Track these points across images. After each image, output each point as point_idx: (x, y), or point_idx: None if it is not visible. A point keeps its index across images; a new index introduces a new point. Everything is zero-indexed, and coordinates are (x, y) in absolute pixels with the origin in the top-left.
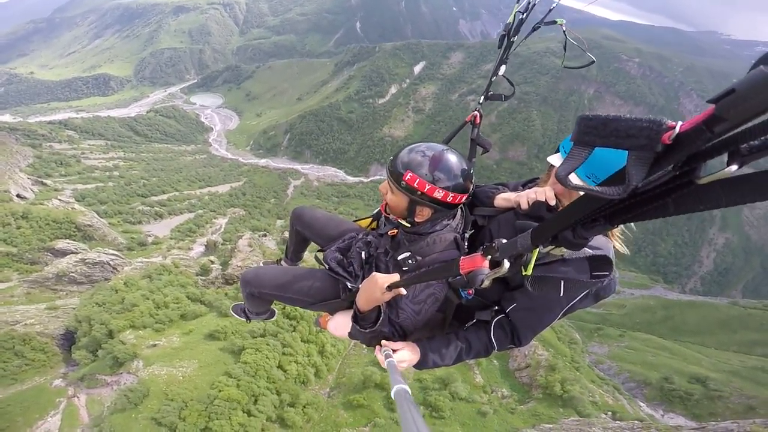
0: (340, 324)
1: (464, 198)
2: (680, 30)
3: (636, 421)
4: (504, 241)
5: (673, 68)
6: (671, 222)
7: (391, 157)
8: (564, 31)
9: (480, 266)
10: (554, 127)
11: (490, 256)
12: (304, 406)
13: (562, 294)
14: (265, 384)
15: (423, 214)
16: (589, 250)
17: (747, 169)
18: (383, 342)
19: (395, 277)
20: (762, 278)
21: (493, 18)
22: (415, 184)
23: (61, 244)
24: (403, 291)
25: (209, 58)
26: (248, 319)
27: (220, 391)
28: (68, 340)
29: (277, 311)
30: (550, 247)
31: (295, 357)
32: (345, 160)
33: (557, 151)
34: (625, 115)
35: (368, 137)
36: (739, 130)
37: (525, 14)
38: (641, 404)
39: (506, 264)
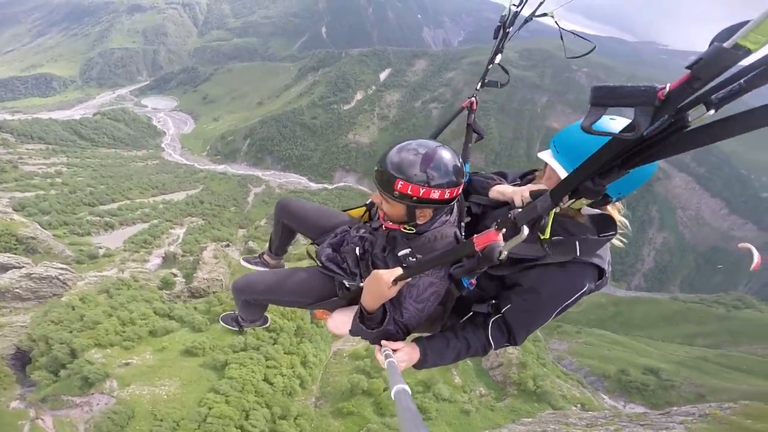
0: (341, 322)
1: (459, 190)
2: (623, 40)
3: (606, 411)
4: (519, 209)
5: (618, 77)
6: None
7: (378, 166)
8: (556, 22)
9: (495, 240)
10: (510, 134)
11: (504, 230)
12: (296, 418)
13: (579, 254)
14: (254, 398)
15: (424, 215)
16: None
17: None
18: (383, 342)
19: (398, 270)
20: (696, 274)
21: (455, 26)
22: (408, 191)
23: (0, 258)
24: (409, 280)
25: (164, 59)
26: (241, 328)
27: (210, 408)
28: (19, 359)
29: (269, 318)
30: (570, 202)
31: (280, 369)
32: (308, 167)
33: (548, 147)
34: (626, 84)
35: (332, 143)
36: (708, 87)
37: (519, 7)
38: (604, 396)
39: (525, 230)
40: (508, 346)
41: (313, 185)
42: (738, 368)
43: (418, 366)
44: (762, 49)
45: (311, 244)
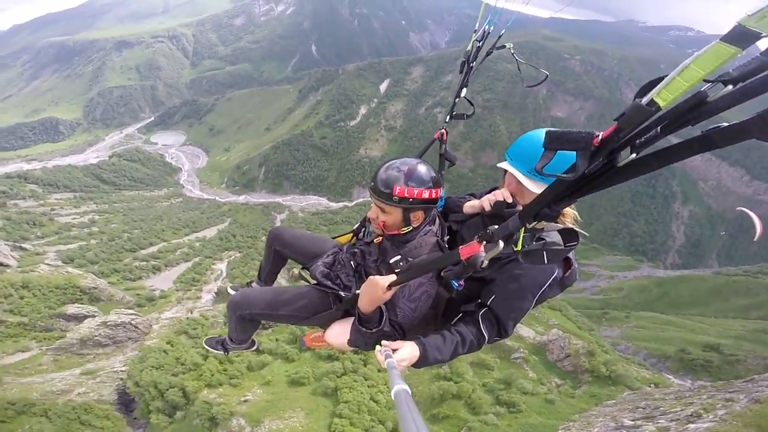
0: (338, 333)
1: (440, 191)
2: (603, 21)
3: (688, 385)
4: (496, 227)
5: (610, 61)
6: (639, 203)
7: (372, 182)
8: (513, 54)
9: (478, 251)
10: (517, 129)
11: (485, 242)
12: None
13: (546, 262)
14: (369, 417)
15: (417, 217)
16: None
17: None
18: (383, 342)
19: (392, 277)
20: (731, 245)
21: (439, 27)
22: (405, 194)
23: (71, 309)
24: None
25: (163, 93)
26: (226, 351)
27: None
28: (123, 404)
29: (257, 342)
30: (534, 223)
31: (378, 387)
32: (326, 187)
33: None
34: (572, 130)
35: (346, 161)
36: (631, 134)
37: (481, 42)
38: (669, 376)
39: (501, 243)
40: (499, 339)
41: (334, 204)
42: None
43: (418, 364)
44: (671, 104)
45: (302, 269)
